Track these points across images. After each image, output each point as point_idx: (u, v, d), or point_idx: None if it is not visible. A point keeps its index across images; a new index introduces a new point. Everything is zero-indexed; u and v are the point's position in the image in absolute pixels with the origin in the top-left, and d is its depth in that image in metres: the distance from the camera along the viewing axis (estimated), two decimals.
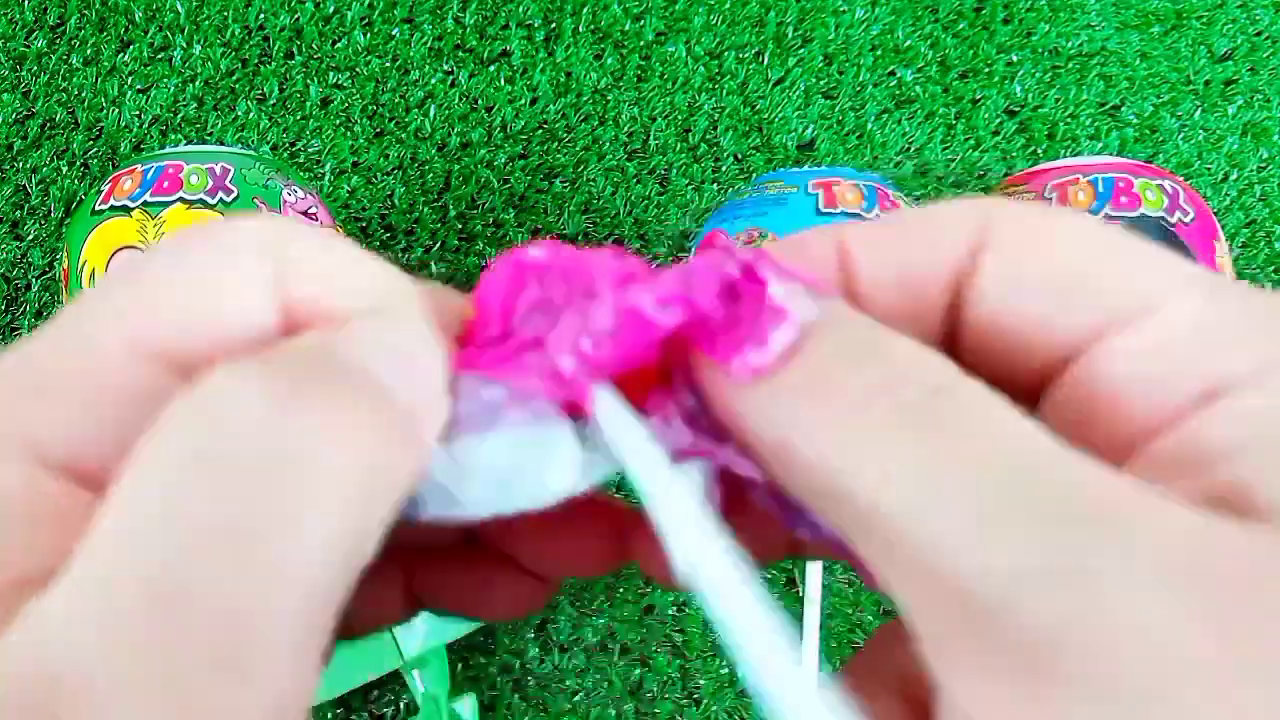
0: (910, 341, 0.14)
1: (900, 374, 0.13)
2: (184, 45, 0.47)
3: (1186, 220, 0.36)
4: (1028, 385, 0.14)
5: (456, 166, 0.46)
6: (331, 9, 0.48)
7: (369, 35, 0.47)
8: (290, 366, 0.12)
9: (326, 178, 0.46)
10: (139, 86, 0.47)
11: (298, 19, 0.47)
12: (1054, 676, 0.11)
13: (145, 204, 0.35)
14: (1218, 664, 0.10)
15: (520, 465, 0.15)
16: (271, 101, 0.47)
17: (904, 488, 0.12)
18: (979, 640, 0.11)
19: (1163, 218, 0.36)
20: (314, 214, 0.38)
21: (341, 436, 0.12)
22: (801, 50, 0.48)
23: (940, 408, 0.13)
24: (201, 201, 0.35)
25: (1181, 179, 0.38)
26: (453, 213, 0.46)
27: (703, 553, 0.13)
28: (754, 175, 0.46)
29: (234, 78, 0.47)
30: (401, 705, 0.40)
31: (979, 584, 0.11)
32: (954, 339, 0.15)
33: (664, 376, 0.16)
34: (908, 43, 0.48)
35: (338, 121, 0.46)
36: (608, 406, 0.15)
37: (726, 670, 0.40)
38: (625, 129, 0.47)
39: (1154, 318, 0.13)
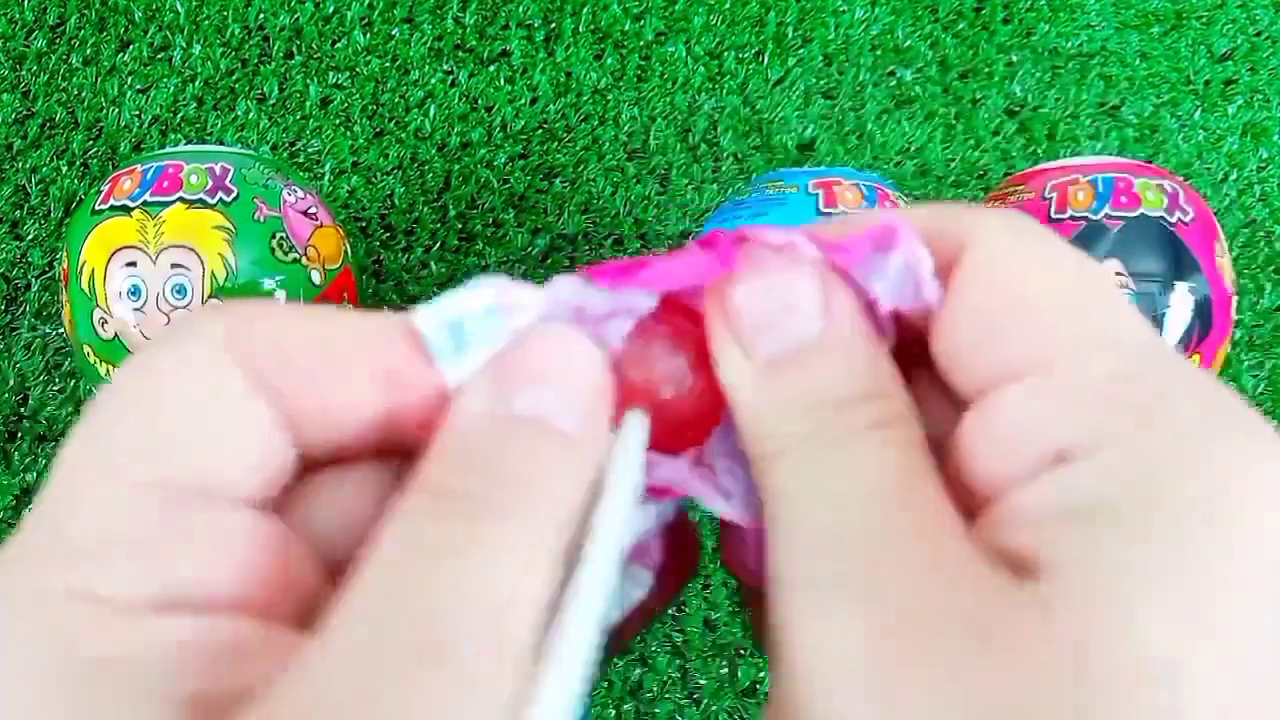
0: None
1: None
2: (184, 45, 0.47)
3: (1186, 220, 0.36)
4: (969, 398, 0.15)
5: (456, 166, 0.46)
6: (331, 9, 0.48)
7: (369, 35, 0.47)
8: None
9: (326, 178, 0.46)
10: (139, 86, 0.47)
11: (298, 19, 0.47)
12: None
13: (145, 204, 0.35)
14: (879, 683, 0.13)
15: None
16: (271, 101, 0.47)
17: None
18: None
19: (1163, 218, 0.36)
20: (314, 214, 0.38)
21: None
22: (801, 50, 0.48)
23: None
24: (201, 201, 0.35)
25: (1181, 179, 0.38)
26: (453, 213, 0.46)
27: (600, 558, 0.15)
28: (754, 175, 0.46)
29: (234, 78, 0.47)
30: None
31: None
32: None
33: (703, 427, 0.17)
34: (908, 43, 0.48)
35: (338, 121, 0.46)
36: (633, 429, 0.16)
37: (726, 670, 0.40)
38: (625, 129, 0.47)
39: (1046, 374, 0.14)
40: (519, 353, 0.15)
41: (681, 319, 0.17)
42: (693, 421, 0.17)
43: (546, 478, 0.14)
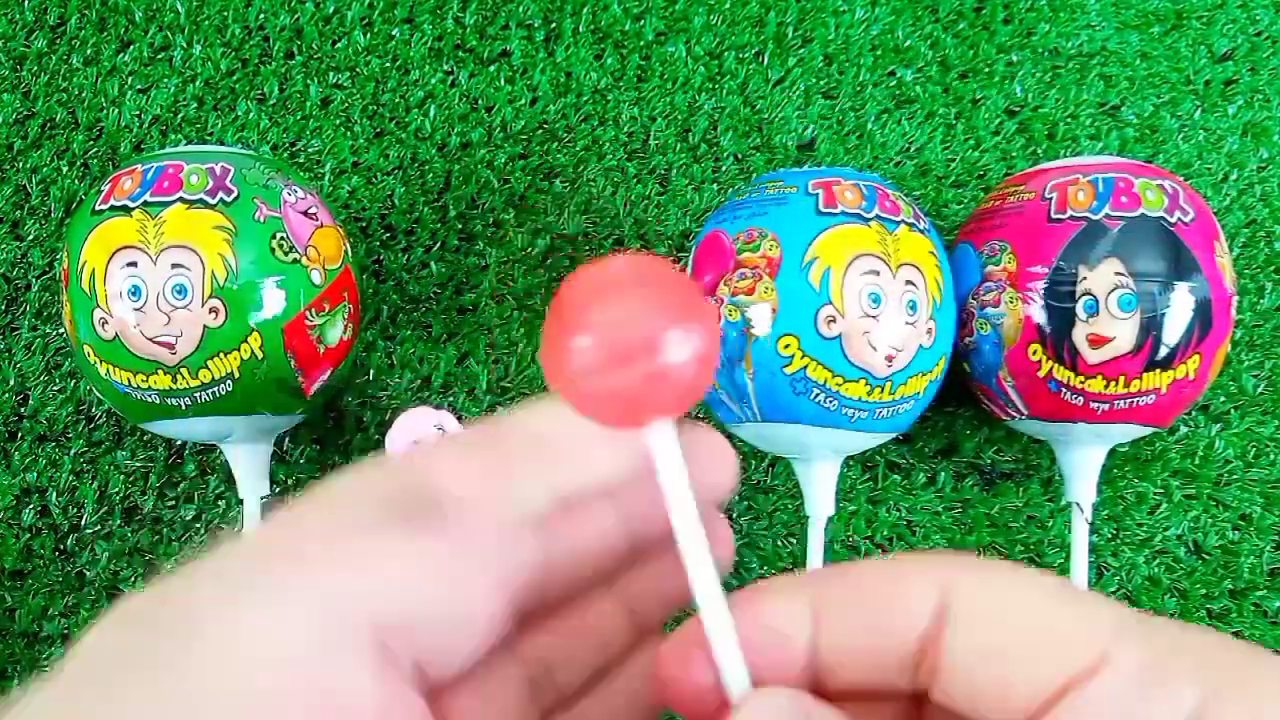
0: None
1: None
2: (184, 45, 0.47)
3: (1186, 220, 0.36)
4: (1021, 716, 0.17)
5: (456, 166, 0.46)
6: (331, 9, 0.48)
7: (369, 35, 0.47)
8: None
9: (326, 178, 0.46)
10: (139, 86, 0.47)
11: (298, 19, 0.47)
12: None
13: (145, 204, 0.35)
14: None
15: None
16: (271, 101, 0.47)
17: None
18: None
19: (1163, 218, 0.36)
20: (314, 214, 0.38)
21: None
22: (801, 50, 0.48)
23: None
24: (202, 201, 0.35)
25: (1181, 179, 0.38)
26: (453, 213, 0.46)
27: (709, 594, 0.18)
28: (754, 175, 0.46)
29: (234, 78, 0.47)
30: None
31: None
32: (923, 685, 0.18)
33: None
34: (908, 43, 0.48)
35: (338, 121, 0.46)
36: (664, 439, 0.18)
37: None
38: (625, 129, 0.47)
39: (1105, 670, 0.16)
40: None
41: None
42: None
43: None
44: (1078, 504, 0.39)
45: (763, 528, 0.42)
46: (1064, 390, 0.36)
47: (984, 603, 0.17)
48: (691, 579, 0.18)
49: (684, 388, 0.17)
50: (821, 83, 0.47)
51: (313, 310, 0.36)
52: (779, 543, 0.42)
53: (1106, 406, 0.36)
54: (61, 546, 0.42)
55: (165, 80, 0.47)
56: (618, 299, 0.17)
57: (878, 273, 0.35)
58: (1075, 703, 0.16)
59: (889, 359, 0.35)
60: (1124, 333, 0.35)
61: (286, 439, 0.43)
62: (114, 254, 0.35)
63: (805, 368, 0.35)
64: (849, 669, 0.18)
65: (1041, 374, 0.37)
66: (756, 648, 0.18)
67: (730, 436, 0.43)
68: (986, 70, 0.48)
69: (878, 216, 0.36)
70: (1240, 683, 0.15)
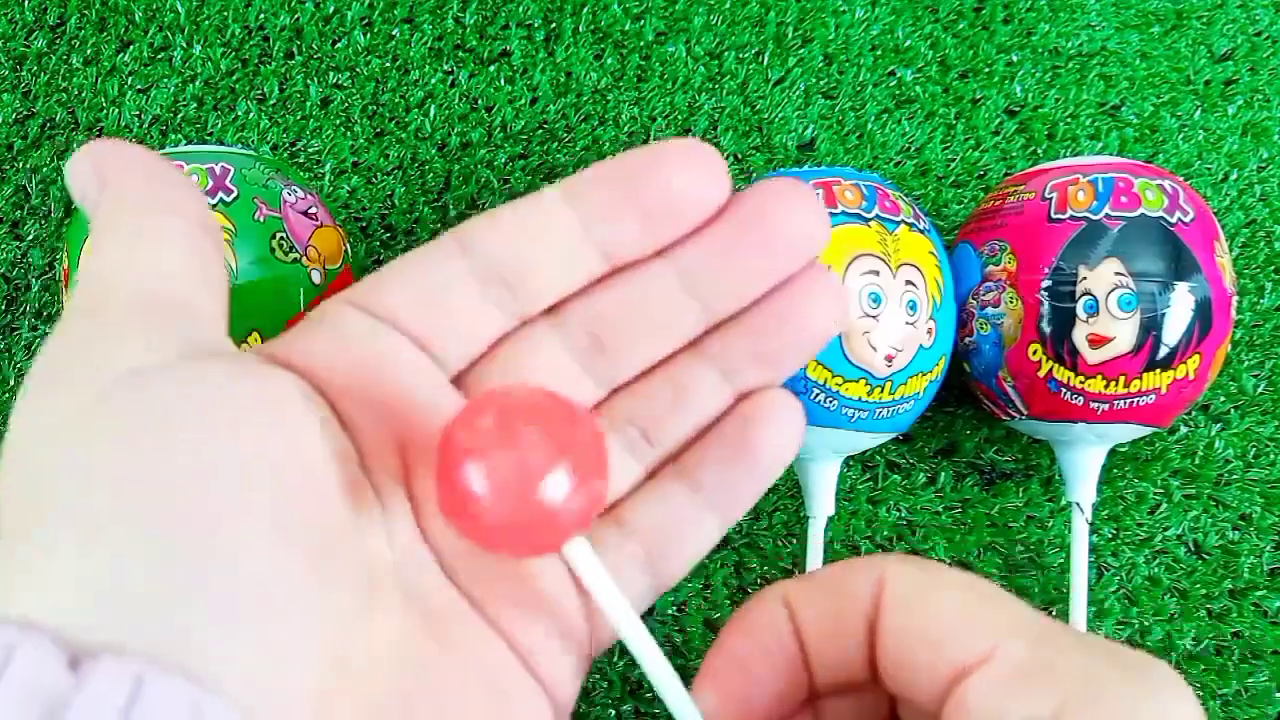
0: None
1: None
2: (184, 45, 0.47)
3: (1186, 220, 0.36)
4: (932, 700, 0.18)
5: (456, 166, 0.46)
6: (331, 9, 0.48)
7: (369, 35, 0.47)
8: None
9: (326, 178, 0.46)
10: (139, 86, 0.47)
11: (298, 19, 0.47)
12: None
13: None
14: None
15: None
16: (271, 101, 0.47)
17: None
18: None
19: (1163, 218, 0.36)
20: (314, 214, 0.38)
21: None
22: (801, 50, 0.48)
23: None
24: None
25: (1181, 179, 0.38)
26: (453, 213, 0.46)
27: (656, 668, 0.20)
28: (754, 175, 0.46)
29: (234, 78, 0.47)
30: None
31: None
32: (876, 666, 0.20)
33: None
34: (908, 43, 0.48)
35: (338, 121, 0.47)
36: (580, 555, 0.20)
37: None
38: (625, 129, 0.47)
39: (991, 660, 0.17)
40: None
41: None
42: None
43: None
44: (1078, 504, 0.39)
45: (763, 528, 0.42)
46: (1064, 390, 0.36)
47: (909, 589, 0.19)
48: (647, 672, 0.20)
49: (581, 517, 0.19)
50: (821, 83, 0.47)
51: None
52: (779, 543, 0.42)
53: (1106, 406, 0.36)
54: None
55: (165, 80, 0.47)
56: (505, 441, 0.18)
57: (878, 273, 0.35)
58: (959, 692, 0.17)
59: (889, 359, 0.35)
60: (1124, 333, 0.35)
61: None
62: None
63: (805, 368, 0.35)
64: (827, 660, 0.20)
65: (1041, 374, 0.37)
66: (757, 649, 0.20)
67: None
68: (986, 70, 0.48)
69: (878, 216, 0.36)
70: (1093, 700, 0.16)
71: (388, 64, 0.47)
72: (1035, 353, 0.37)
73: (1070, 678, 0.17)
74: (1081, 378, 0.36)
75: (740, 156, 0.46)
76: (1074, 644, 0.17)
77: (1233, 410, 0.44)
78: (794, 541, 0.42)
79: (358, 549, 0.19)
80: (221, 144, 0.46)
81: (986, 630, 0.18)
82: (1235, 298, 0.37)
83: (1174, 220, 0.36)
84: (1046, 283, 0.36)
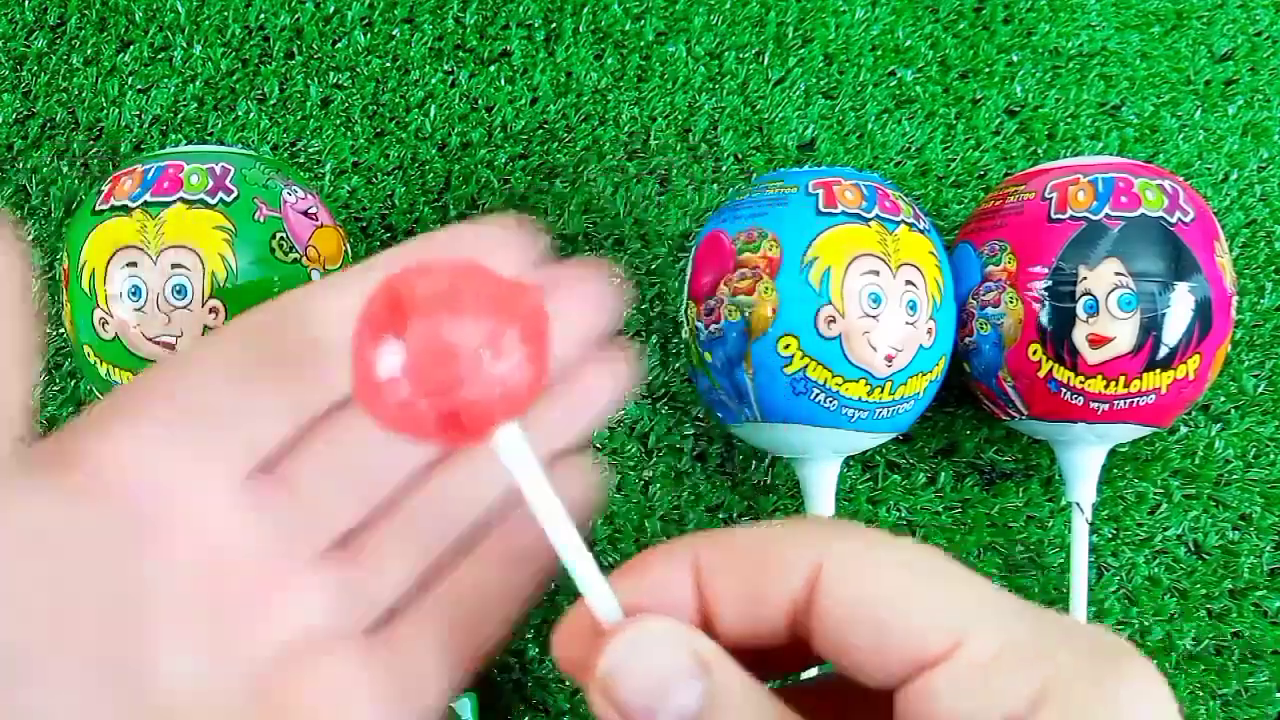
0: None
1: None
2: (184, 45, 0.47)
3: (1186, 220, 0.36)
4: (881, 684, 0.17)
5: (456, 166, 0.46)
6: (331, 9, 0.48)
7: (369, 35, 0.47)
8: None
9: (326, 178, 0.46)
10: (139, 86, 0.47)
11: (298, 19, 0.47)
12: None
13: (145, 204, 0.35)
14: None
15: None
16: (271, 101, 0.47)
17: None
18: None
19: (1163, 218, 0.36)
20: (314, 214, 0.38)
21: None
22: (801, 50, 0.48)
23: None
24: (202, 201, 0.35)
25: (1181, 179, 0.38)
26: (453, 213, 0.46)
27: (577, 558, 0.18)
28: (754, 175, 0.46)
29: (234, 78, 0.47)
30: None
31: None
32: (806, 639, 0.18)
33: None
34: (908, 43, 0.48)
35: (338, 121, 0.47)
36: (511, 443, 0.17)
37: None
38: (625, 129, 0.47)
39: (958, 654, 0.16)
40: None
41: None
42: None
43: None
44: (1078, 504, 0.39)
45: None
46: (1064, 390, 0.36)
47: (853, 573, 0.17)
48: (564, 562, 0.18)
49: (518, 396, 0.16)
50: (821, 83, 0.47)
51: None
52: None
53: (1106, 406, 0.36)
54: None
55: (165, 80, 0.47)
56: (429, 313, 0.16)
57: (878, 273, 0.35)
58: (925, 685, 0.16)
59: (889, 359, 0.35)
60: (1124, 333, 0.35)
61: None
62: (114, 254, 0.35)
63: (805, 368, 0.35)
64: (733, 631, 0.18)
65: (1041, 374, 0.37)
66: (649, 605, 0.18)
67: (730, 437, 0.43)
68: (986, 70, 0.48)
69: (878, 216, 0.36)
70: (1072, 681, 0.16)
71: (388, 64, 0.47)
72: (1035, 353, 0.37)
73: (1043, 671, 0.16)
74: (1081, 378, 0.36)
75: (740, 156, 0.46)
76: (1041, 630, 0.17)
77: (1233, 410, 0.44)
78: None
79: None
80: (222, 144, 0.46)
81: (945, 620, 0.17)
82: (1235, 298, 0.37)
83: (1174, 220, 0.36)
84: (1047, 283, 0.36)
